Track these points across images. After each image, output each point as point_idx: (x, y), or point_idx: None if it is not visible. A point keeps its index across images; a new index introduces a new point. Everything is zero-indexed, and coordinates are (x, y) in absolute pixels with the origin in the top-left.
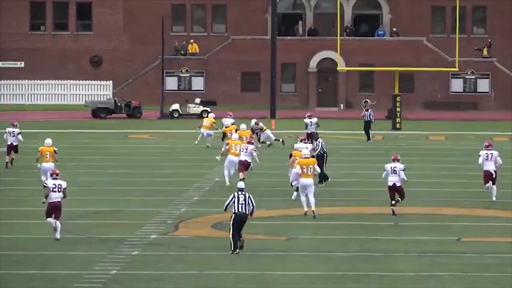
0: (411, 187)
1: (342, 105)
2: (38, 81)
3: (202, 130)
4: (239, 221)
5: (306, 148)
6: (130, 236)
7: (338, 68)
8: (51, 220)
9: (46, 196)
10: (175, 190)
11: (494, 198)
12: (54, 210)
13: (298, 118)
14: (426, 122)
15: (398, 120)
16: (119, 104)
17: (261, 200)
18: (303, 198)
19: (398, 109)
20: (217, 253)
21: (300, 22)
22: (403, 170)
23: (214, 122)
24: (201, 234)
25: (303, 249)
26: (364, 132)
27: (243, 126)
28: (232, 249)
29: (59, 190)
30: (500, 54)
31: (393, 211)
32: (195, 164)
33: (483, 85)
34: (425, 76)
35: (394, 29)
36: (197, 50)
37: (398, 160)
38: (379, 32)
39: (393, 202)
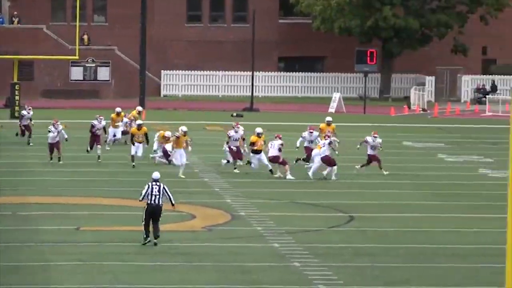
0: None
1: None
2: None
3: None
4: (152, 212)
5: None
6: None
7: None
8: None
9: None
10: None
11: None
12: None
13: None
14: (46, 110)
15: (16, 108)
16: None
17: None
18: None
19: (17, 98)
20: None
21: None
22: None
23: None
24: None
25: None
26: None
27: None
28: (144, 237)
29: None
30: (121, 42)
31: None
32: None
33: (104, 73)
34: (45, 64)
35: (14, 16)
36: None
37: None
38: None
39: None
